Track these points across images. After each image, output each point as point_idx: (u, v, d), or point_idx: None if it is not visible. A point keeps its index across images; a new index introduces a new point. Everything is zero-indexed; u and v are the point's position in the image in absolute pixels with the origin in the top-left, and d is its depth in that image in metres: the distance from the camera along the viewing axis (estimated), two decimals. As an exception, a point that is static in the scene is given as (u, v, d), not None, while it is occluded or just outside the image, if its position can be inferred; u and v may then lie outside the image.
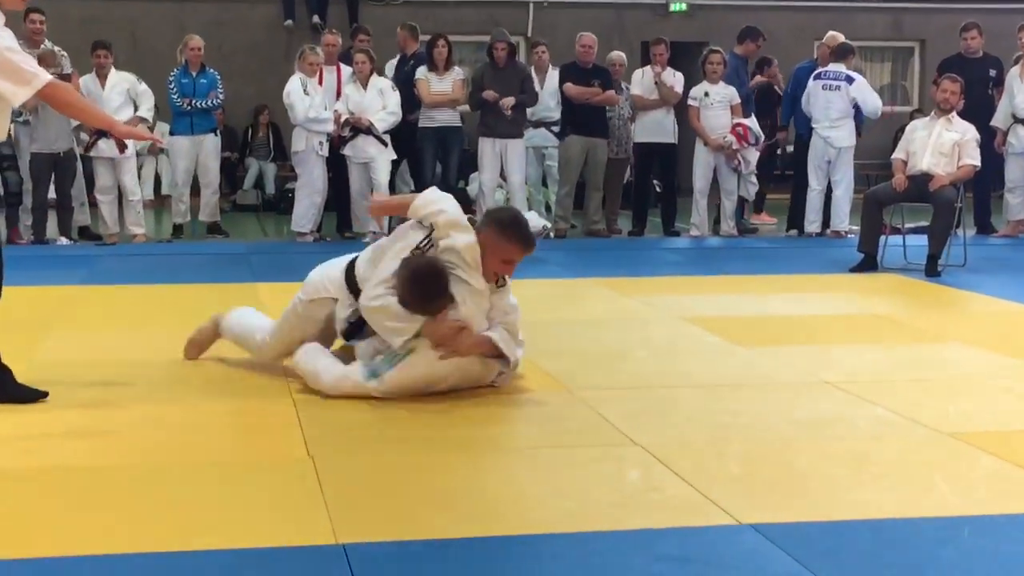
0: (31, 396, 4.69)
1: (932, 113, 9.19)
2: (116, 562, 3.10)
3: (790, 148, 12.16)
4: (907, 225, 9.39)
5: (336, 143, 10.53)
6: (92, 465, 3.97)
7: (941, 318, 7.18)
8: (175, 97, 10.76)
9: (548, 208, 11.94)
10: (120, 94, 10.45)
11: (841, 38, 11.19)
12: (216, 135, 11.10)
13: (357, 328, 4.89)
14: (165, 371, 5.28)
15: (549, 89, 11.22)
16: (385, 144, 10.47)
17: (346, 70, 10.91)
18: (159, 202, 13.95)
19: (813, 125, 10.84)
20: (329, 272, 4.99)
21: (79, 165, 10.72)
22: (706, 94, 10.97)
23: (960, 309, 7.65)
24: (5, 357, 4.75)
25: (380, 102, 10.41)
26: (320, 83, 10.60)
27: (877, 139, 13.83)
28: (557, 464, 4.03)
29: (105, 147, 10.35)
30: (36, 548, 3.19)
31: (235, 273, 8.67)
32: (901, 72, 17.78)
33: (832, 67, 10.83)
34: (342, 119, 10.38)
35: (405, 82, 10.83)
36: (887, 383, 5.15)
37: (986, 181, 10.99)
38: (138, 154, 11.42)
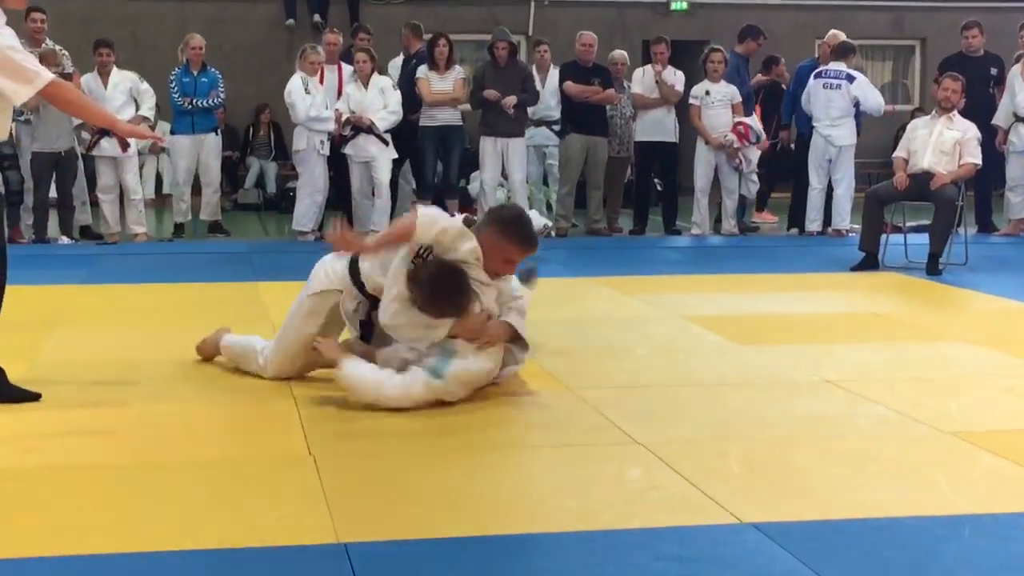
0: (24, 397, 4.68)
1: (933, 112, 9.20)
2: (116, 561, 3.11)
3: (792, 147, 12.15)
4: (908, 224, 9.39)
5: (337, 142, 10.53)
6: (93, 464, 3.98)
7: (942, 317, 7.18)
8: (176, 96, 10.77)
9: (549, 207, 11.94)
10: (123, 93, 10.46)
11: (842, 36, 11.20)
12: (217, 134, 11.10)
13: (370, 326, 4.91)
14: (166, 370, 5.28)
15: (550, 88, 11.22)
16: (386, 143, 10.47)
17: (347, 69, 10.92)
18: (160, 201, 13.95)
19: (814, 124, 10.84)
20: (333, 265, 4.95)
21: (80, 164, 10.73)
22: (707, 93, 10.97)
23: (961, 308, 7.64)
24: (5, 356, 4.75)
25: (381, 101, 10.41)
26: (321, 82, 10.61)
27: (878, 138, 13.84)
28: (558, 463, 4.03)
29: (107, 146, 10.36)
30: (36, 547, 3.19)
31: (236, 272, 8.67)
32: (902, 71, 17.78)
33: (833, 66, 10.83)
34: (343, 118, 10.39)
35: (408, 81, 10.84)
36: (888, 382, 5.15)
37: (987, 180, 10.99)
38: (139, 153, 11.41)
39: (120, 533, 3.30)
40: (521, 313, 4.83)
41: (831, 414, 4.63)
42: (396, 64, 11.74)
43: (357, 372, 4.53)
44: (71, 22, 13.60)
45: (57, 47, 10.61)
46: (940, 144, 8.75)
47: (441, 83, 10.68)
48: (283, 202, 13.64)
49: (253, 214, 13.95)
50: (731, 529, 3.33)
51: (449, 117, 10.79)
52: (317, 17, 15.42)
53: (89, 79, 10.43)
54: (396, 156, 10.62)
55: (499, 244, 4.63)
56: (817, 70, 10.97)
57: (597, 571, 3.05)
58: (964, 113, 9.04)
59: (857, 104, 10.72)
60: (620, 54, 11.54)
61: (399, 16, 13.87)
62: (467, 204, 12.05)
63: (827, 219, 11.00)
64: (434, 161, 10.91)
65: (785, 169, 11.84)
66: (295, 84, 10.40)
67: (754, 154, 11.14)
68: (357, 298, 4.85)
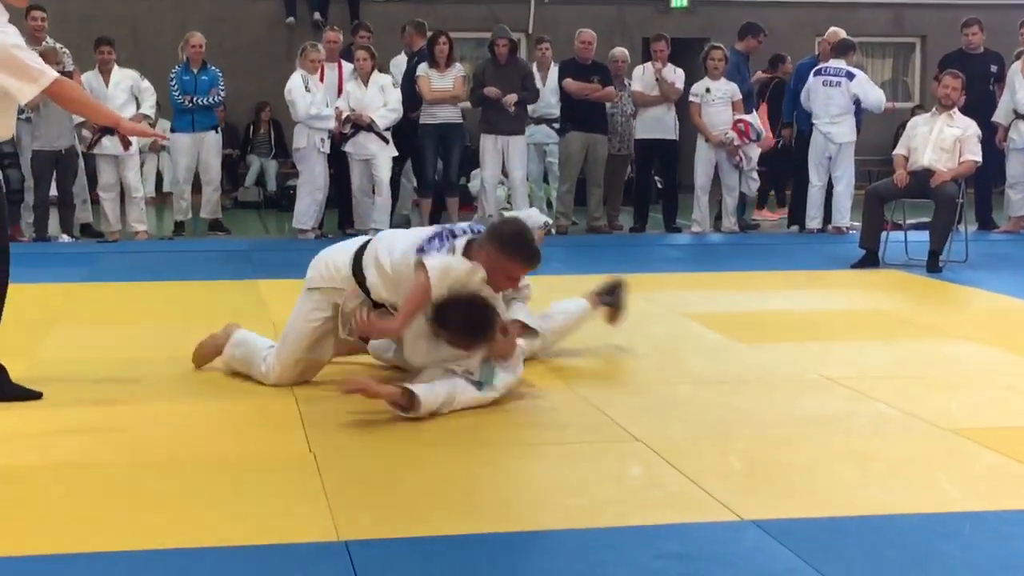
0: (25, 395, 4.69)
1: (933, 109, 9.19)
2: (117, 559, 3.11)
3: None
4: (908, 221, 9.38)
5: (337, 140, 10.53)
6: (93, 462, 3.98)
7: (942, 314, 7.17)
8: (176, 94, 10.76)
9: (549, 204, 11.95)
10: (124, 91, 10.46)
11: (842, 34, 11.19)
12: (217, 132, 11.10)
13: None
14: (166, 368, 5.28)
15: (551, 86, 11.22)
16: (386, 141, 10.47)
17: (347, 67, 10.91)
18: (160, 199, 13.95)
19: (813, 121, 10.84)
20: (335, 259, 4.87)
21: (81, 162, 10.73)
22: (707, 90, 10.96)
23: (961, 305, 7.65)
24: (6, 354, 4.75)
25: (381, 99, 10.41)
26: (321, 80, 10.60)
27: (878, 135, 13.83)
28: (559, 461, 4.04)
29: (109, 144, 10.37)
30: (37, 545, 3.19)
31: (237, 270, 8.67)
32: (902, 68, 17.77)
33: (832, 63, 10.82)
34: (343, 116, 10.38)
35: (411, 79, 10.83)
36: (889, 379, 5.15)
37: (987, 177, 10.98)
38: (140, 151, 11.41)
39: (121, 531, 3.30)
40: (524, 301, 4.88)
41: (832, 412, 4.63)
42: (397, 62, 11.73)
43: (432, 394, 4.42)
44: (71, 20, 13.60)
45: (57, 45, 10.61)
46: (940, 141, 8.75)
47: (441, 81, 10.68)
48: (283, 200, 13.63)
49: (253, 212, 13.95)
50: (731, 527, 3.33)
51: (449, 115, 10.78)
52: (317, 15, 15.41)
53: (90, 77, 10.43)
54: (396, 154, 10.62)
55: (501, 263, 4.58)
56: (817, 67, 10.96)
57: (598, 569, 3.05)
58: (964, 110, 9.04)
59: (858, 102, 10.72)
60: (620, 52, 11.53)
61: (399, 14, 13.86)
62: (467, 202, 12.06)
63: (827, 216, 11.00)
64: (434, 159, 10.90)
65: (783, 166, 11.84)
66: (295, 82, 10.39)
67: (754, 151, 11.14)
68: (360, 298, 4.82)
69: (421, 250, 4.60)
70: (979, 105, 10.27)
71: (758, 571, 3.04)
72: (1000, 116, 10.96)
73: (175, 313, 6.90)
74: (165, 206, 13.35)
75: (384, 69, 10.96)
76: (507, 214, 10.89)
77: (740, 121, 10.86)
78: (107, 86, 10.41)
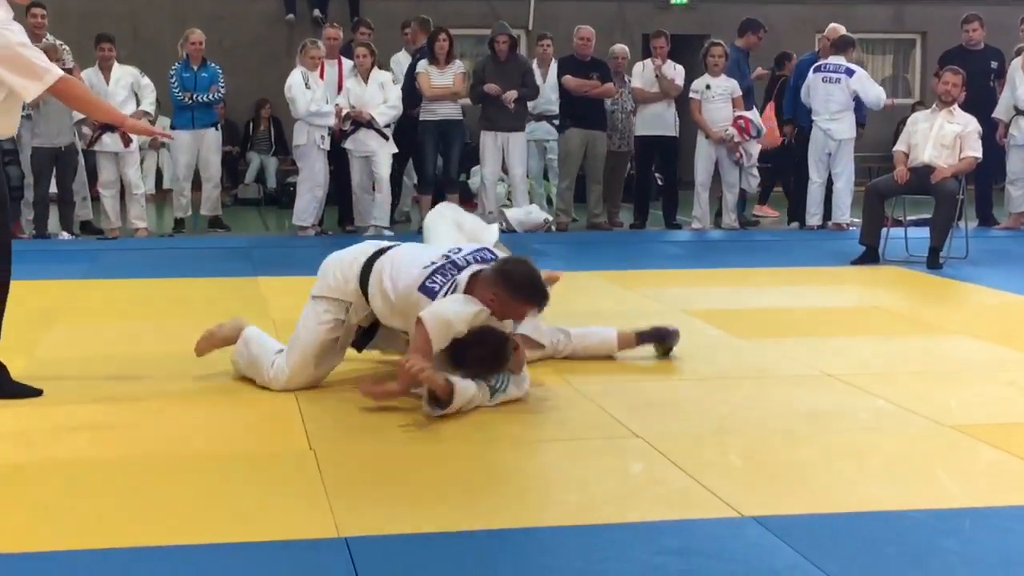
0: (25, 393, 4.69)
1: (934, 105, 9.19)
2: (118, 555, 3.11)
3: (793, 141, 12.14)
4: (909, 217, 9.38)
5: (337, 137, 10.53)
6: (93, 459, 3.98)
7: (943, 310, 7.17)
8: (176, 91, 10.76)
9: (550, 201, 11.94)
10: (124, 88, 10.46)
11: (842, 30, 11.18)
12: (217, 129, 11.09)
13: (368, 337, 4.91)
14: (167, 365, 5.27)
15: (551, 82, 11.21)
16: (386, 138, 10.46)
17: (347, 64, 10.91)
18: (160, 196, 13.94)
19: (813, 118, 10.83)
20: (344, 272, 4.81)
21: (80, 159, 10.72)
22: (707, 87, 10.96)
23: (962, 301, 7.64)
24: (6, 352, 4.75)
25: (381, 96, 10.40)
26: (321, 77, 10.59)
27: (878, 131, 13.82)
28: (559, 457, 4.04)
29: (109, 141, 10.37)
30: (38, 542, 3.20)
31: (236, 267, 8.67)
32: (902, 64, 17.76)
33: (832, 59, 10.82)
34: (343, 113, 10.38)
35: (414, 76, 10.82)
36: (888, 375, 5.15)
37: (988, 173, 10.98)
38: (140, 148, 11.40)
39: (121, 528, 3.30)
40: (536, 314, 4.87)
41: (831, 408, 4.63)
42: (397, 59, 11.73)
43: (464, 391, 4.44)
44: (71, 17, 13.59)
45: (58, 42, 10.60)
46: (941, 138, 8.75)
47: (441, 77, 10.67)
48: (283, 197, 13.63)
49: (253, 209, 13.94)
50: (731, 523, 3.33)
51: (449, 111, 10.77)
52: (317, 12, 15.41)
53: (90, 74, 10.42)
54: (396, 150, 10.61)
55: (512, 306, 4.56)
56: (816, 64, 10.96)
57: (598, 565, 3.05)
58: (964, 107, 9.04)
59: (858, 98, 10.71)
60: (620, 48, 11.52)
61: (399, 10, 13.85)
62: (467, 199, 12.05)
63: (827, 213, 10.99)
64: (434, 156, 10.90)
65: (786, 163, 11.83)
66: (295, 79, 10.38)
67: (754, 148, 11.13)
68: (366, 310, 4.80)
69: (424, 288, 4.56)
70: (979, 101, 10.27)
71: (758, 567, 3.04)
72: (1000, 112, 10.96)
73: (175, 310, 6.90)
74: (165, 203, 13.34)
75: (384, 66, 10.96)
76: (507, 212, 10.92)
77: (740, 117, 10.86)
78: (107, 83, 10.40)
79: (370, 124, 10.35)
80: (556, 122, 11.28)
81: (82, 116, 9.79)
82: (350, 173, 10.62)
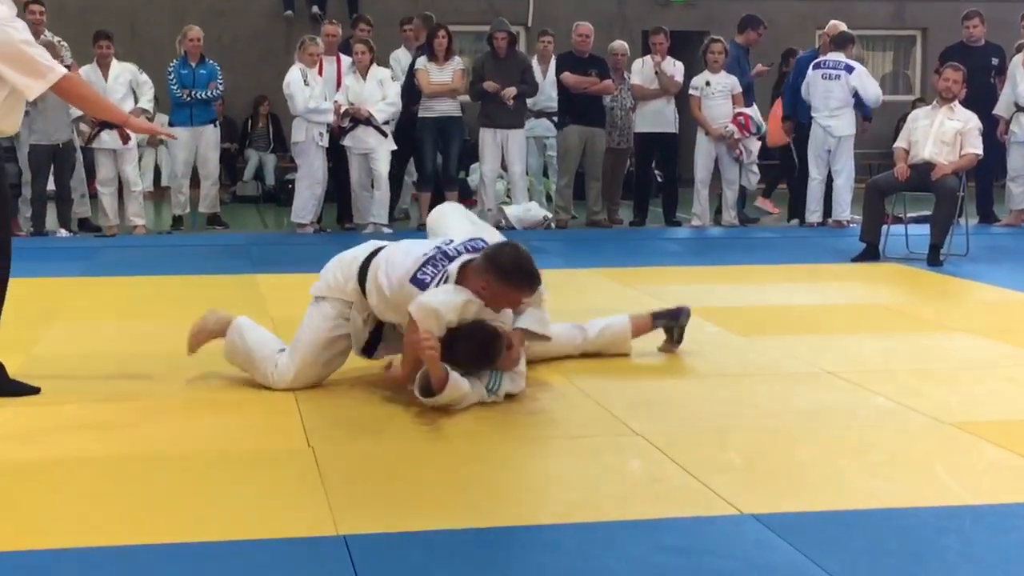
0: (23, 391, 4.67)
1: (934, 102, 9.17)
2: (116, 553, 3.10)
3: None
4: (909, 214, 9.37)
5: (336, 134, 10.51)
6: (92, 457, 3.97)
7: (943, 307, 7.16)
8: (174, 88, 10.74)
9: (549, 198, 11.93)
10: (123, 85, 10.44)
11: (843, 27, 11.16)
12: (216, 126, 11.08)
13: (374, 343, 4.88)
14: (164, 363, 5.26)
15: (551, 79, 11.20)
16: (385, 135, 10.45)
17: (346, 60, 10.89)
18: (159, 194, 13.93)
19: (813, 114, 10.81)
20: (343, 271, 4.81)
21: (78, 156, 10.71)
22: (707, 83, 10.94)
23: (962, 298, 7.63)
24: (4, 350, 4.74)
25: (380, 92, 10.38)
26: (320, 73, 10.58)
27: (879, 128, 13.77)
28: (559, 455, 4.03)
29: (107, 138, 10.35)
30: (37, 540, 3.19)
31: (235, 264, 8.66)
32: (903, 61, 17.75)
33: (832, 56, 10.80)
34: (342, 110, 10.36)
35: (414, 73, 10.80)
36: (889, 372, 5.14)
37: (988, 170, 10.96)
38: (138, 145, 11.39)
39: (119, 526, 3.30)
40: (540, 306, 4.83)
41: (832, 405, 4.62)
42: (396, 56, 11.71)
43: (457, 384, 4.43)
44: (69, 14, 13.58)
45: (56, 39, 10.58)
46: (941, 134, 8.74)
47: (440, 74, 10.65)
48: (282, 194, 13.63)
49: (252, 206, 13.94)
50: (732, 520, 3.33)
51: (448, 108, 10.75)
52: (315, 8, 15.39)
53: (88, 71, 10.39)
54: (395, 148, 10.59)
55: (503, 292, 4.52)
56: (816, 60, 10.94)
57: (598, 563, 3.04)
58: (965, 103, 9.02)
59: (857, 94, 10.70)
60: (620, 45, 11.51)
61: (398, 7, 13.84)
62: (467, 196, 12.03)
63: (827, 210, 10.98)
64: (433, 152, 10.88)
65: (789, 160, 11.82)
66: (294, 76, 10.37)
67: (754, 145, 11.12)
68: (367, 310, 4.79)
69: (415, 279, 4.55)
70: (980, 98, 10.25)
71: (758, 565, 3.04)
72: (1001, 109, 10.94)
73: (173, 308, 6.87)
74: (163, 200, 13.33)
75: (383, 63, 10.94)
76: (507, 209, 10.91)
77: (740, 114, 10.84)
78: (106, 80, 10.38)
79: (368, 121, 10.34)
80: (555, 119, 11.27)
81: (80, 113, 9.77)
82: (349, 170, 10.61)
